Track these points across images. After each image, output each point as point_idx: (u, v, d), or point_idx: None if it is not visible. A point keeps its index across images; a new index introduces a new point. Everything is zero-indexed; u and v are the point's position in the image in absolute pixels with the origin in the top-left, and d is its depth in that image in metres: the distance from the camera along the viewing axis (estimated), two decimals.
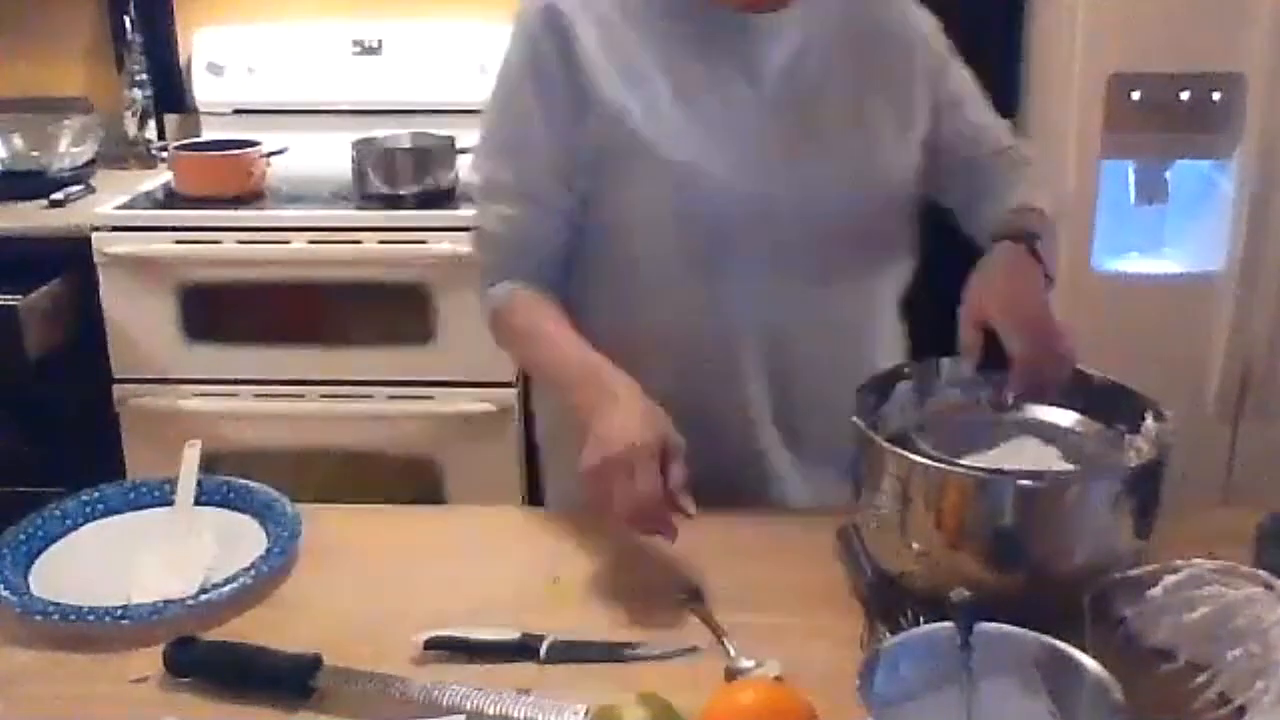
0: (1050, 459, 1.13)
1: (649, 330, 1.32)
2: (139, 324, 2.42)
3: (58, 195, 2.51)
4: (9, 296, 2.28)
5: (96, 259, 2.38)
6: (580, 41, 1.26)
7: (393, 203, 2.45)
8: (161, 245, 2.37)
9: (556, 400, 1.38)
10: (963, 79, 1.42)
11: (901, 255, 1.39)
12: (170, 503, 1.28)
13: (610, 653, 1.08)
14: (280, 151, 2.65)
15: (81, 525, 1.29)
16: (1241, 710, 0.93)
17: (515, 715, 0.98)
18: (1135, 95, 2.14)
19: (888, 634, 1.00)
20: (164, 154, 2.77)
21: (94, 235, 2.37)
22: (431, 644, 1.07)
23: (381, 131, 2.57)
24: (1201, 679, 0.95)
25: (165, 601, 1.13)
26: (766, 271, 1.29)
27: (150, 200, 2.52)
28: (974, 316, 1.19)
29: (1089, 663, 0.88)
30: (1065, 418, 1.18)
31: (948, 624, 0.92)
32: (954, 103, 1.40)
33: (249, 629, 1.12)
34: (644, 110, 1.25)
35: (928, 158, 1.37)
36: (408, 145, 2.54)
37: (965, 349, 1.20)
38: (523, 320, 1.32)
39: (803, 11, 1.29)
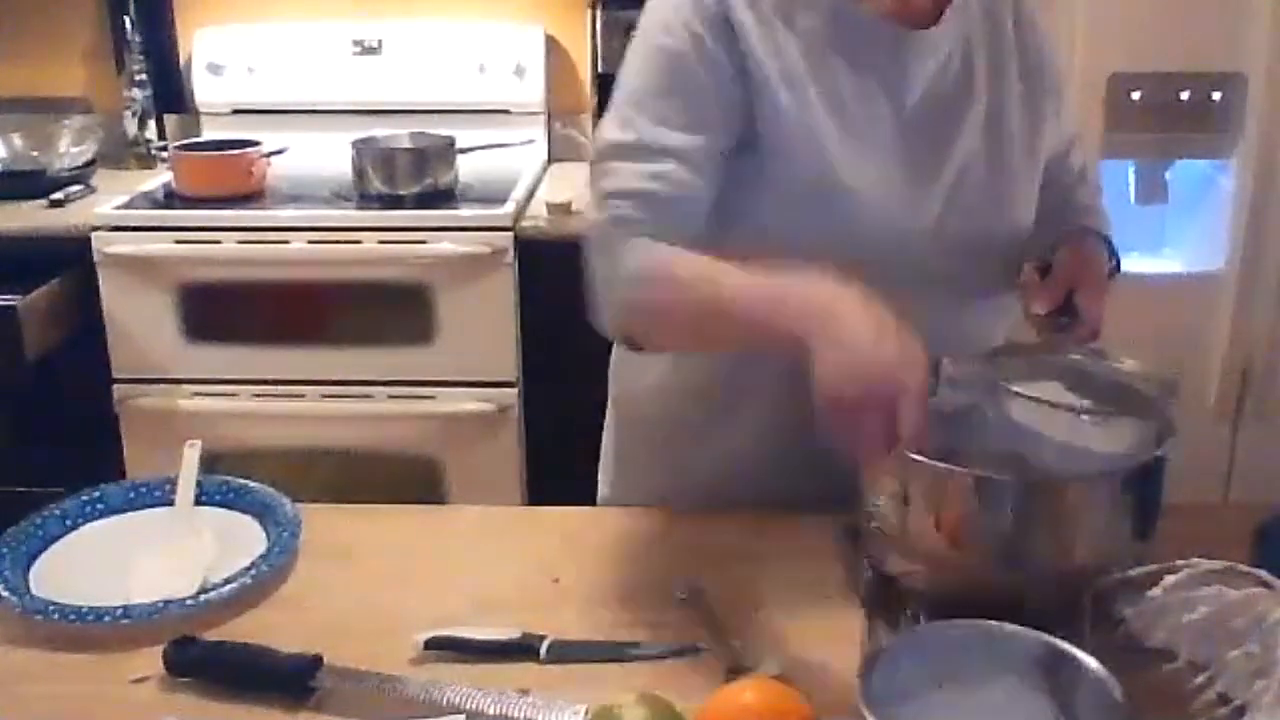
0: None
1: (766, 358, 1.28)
2: (139, 324, 2.42)
3: (58, 195, 2.51)
4: (9, 296, 2.28)
5: (96, 259, 2.38)
6: (743, 27, 1.21)
7: (393, 203, 2.45)
8: (161, 245, 2.38)
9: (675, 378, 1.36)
10: (1068, 122, 1.42)
11: (1007, 281, 1.34)
12: (170, 503, 1.28)
13: (610, 653, 1.08)
14: (280, 151, 2.65)
15: (81, 525, 1.29)
16: (1241, 710, 0.93)
17: (515, 715, 0.98)
18: (1135, 95, 2.15)
19: (888, 633, 1.00)
20: (164, 154, 2.77)
21: (94, 235, 2.37)
22: (431, 644, 1.07)
23: (381, 131, 2.57)
24: (1201, 679, 0.95)
25: (165, 601, 1.13)
26: (890, 286, 1.26)
27: (150, 200, 2.52)
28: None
29: (1089, 663, 0.88)
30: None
31: (947, 623, 0.92)
32: (1059, 152, 1.40)
33: (249, 629, 1.12)
34: (793, 109, 1.22)
35: None
36: (408, 145, 2.55)
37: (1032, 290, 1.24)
38: (692, 266, 1.15)
39: (953, 26, 1.27)
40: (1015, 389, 1.12)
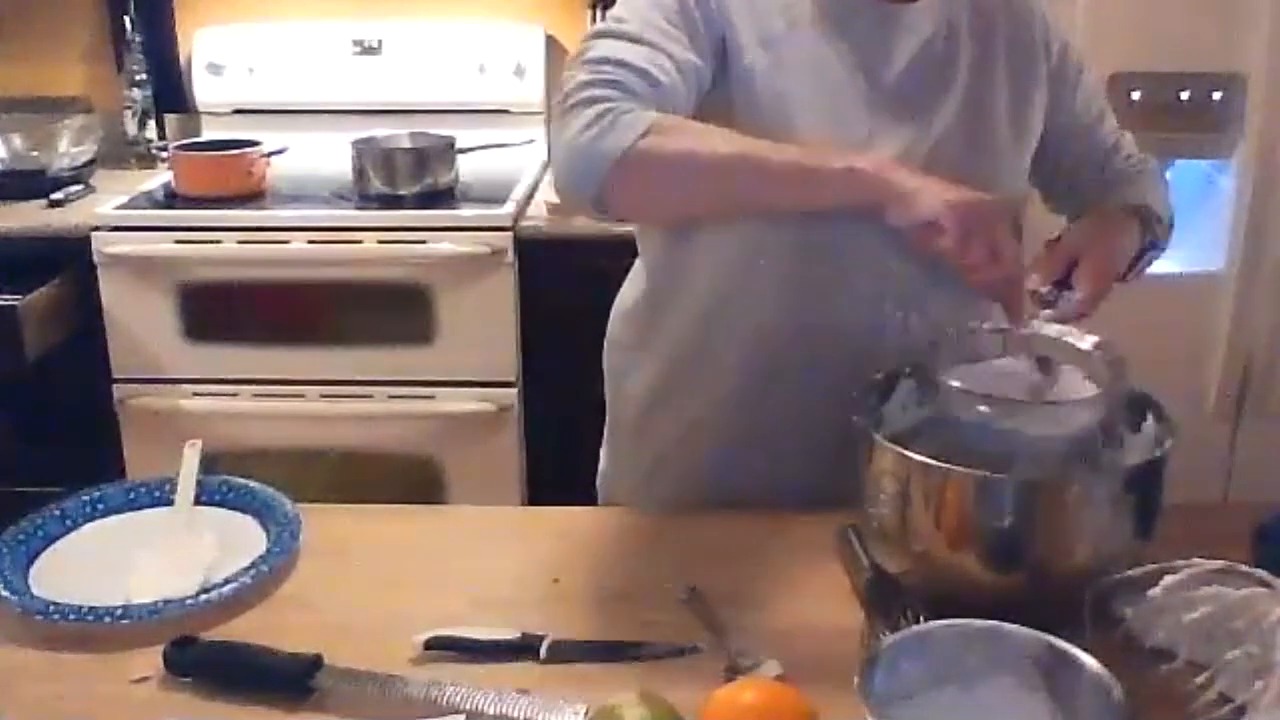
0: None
1: (736, 324, 1.30)
2: (139, 324, 2.42)
3: (58, 195, 2.51)
4: (9, 296, 2.28)
5: (96, 259, 2.38)
6: None
7: (392, 203, 2.45)
8: (161, 245, 2.37)
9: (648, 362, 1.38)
10: (1093, 97, 1.41)
11: None
12: (170, 503, 1.28)
13: (610, 653, 1.08)
14: (280, 151, 2.65)
15: (81, 525, 1.29)
16: (1241, 710, 0.93)
17: (515, 715, 0.98)
18: (1135, 95, 2.14)
19: (887, 633, 1.00)
20: (164, 154, 2.77)
21: (94, 235, 2.37)
22: (431, 644, 1.07)
23: (381, 131, 2.57)
24: (1201, 679, 0.95)
25: (165, 601, 1.13)
26: (867, 264, 1.25)
27: (150, 200, 2.51)
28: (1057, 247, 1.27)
29: (1089, 662, 0.88)
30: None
31: (947, 623, 0.92)
32: (1084, 127, 1.40)
33: (249, 629, 1.12)
34: (763, 70, 1.22)
35: (1046, 175, 1.39)
36: (408, 145, 2.54)
37: (1033, 263, 1.24)
38: (702, 125, 1.16)
39: (937, 4, 1.28)
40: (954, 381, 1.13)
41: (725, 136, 1.16)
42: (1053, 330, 1.17)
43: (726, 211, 1.26)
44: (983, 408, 1.08)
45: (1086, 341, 1.15)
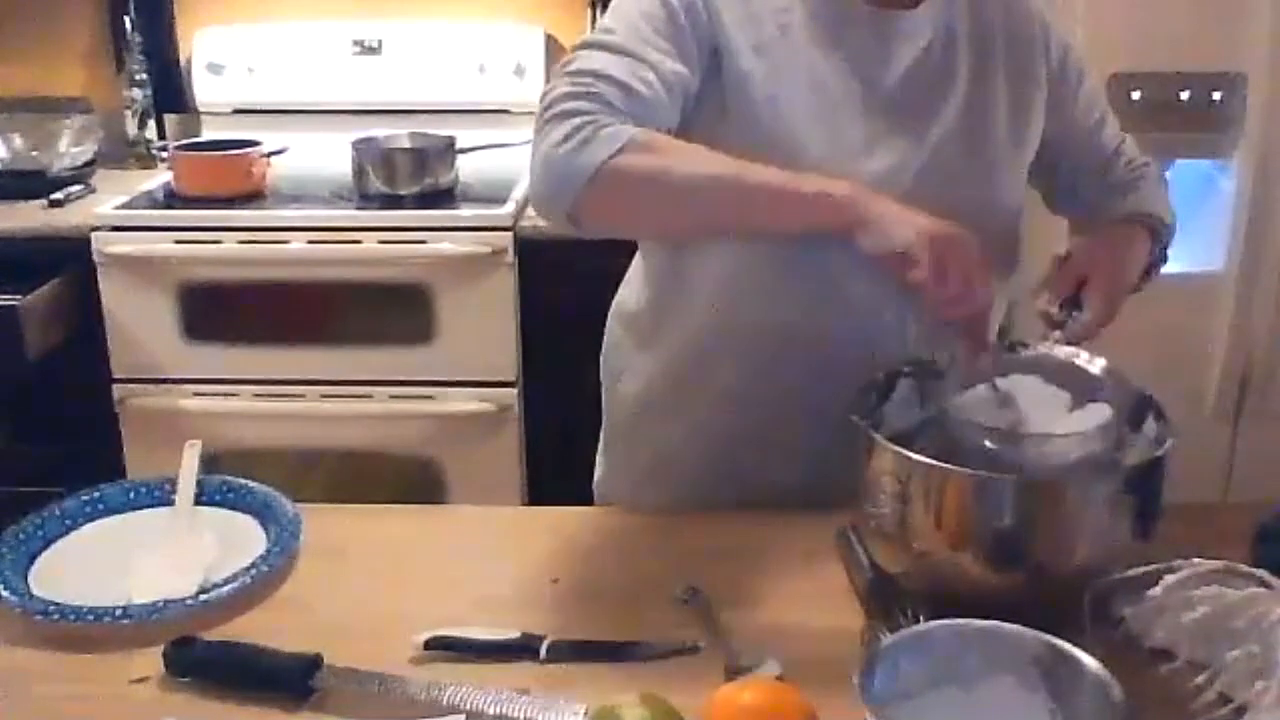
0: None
1: (736, 329, 1.30)
2: (139, 324, 2.42)
3: (58, 195, 2.51)
4: (9, 296, 2.28)
5: (96, 259, 2.38)
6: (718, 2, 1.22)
7: (392, 203, 2.45)
8: (161, 245, 2.37)
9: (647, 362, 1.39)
10: (1094, 102, 1.41)
11: (1003, 265, 1.33)
12: (170, 503, 1.29)
13: (610, 653, 1.08)
14: (280, 151, 2.65)
15: (81, 525, 1.29)
16: (1241, 710, 0.93)
17: (515, 715, 0.98)
18: (1135, 95, 2.14)
19: (887, 633, 1.00)
20: (164, 154, 2.77)
21: (94, 235, 2.37)
22: (431, 644, 1.07)
23: (381, 131, 2.57)
24: (1201, 679, 0.96)
25: (165, 601, 1.13)
26: (864, 274, 1.23)
27: (150, 200, 2.51)
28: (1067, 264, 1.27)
29: (1089, 662, 0.88)
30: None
31: (947, 623, 0.92)
32: (1085, 132, 1.40)
33: (249, 629, 1.12)
34: (758, 77, 1.21)
35: (1047, 180, 1.40)
36: (408, 145, 2.54)
37: (1042, 282, 1.25)
38: (679, 144, 1.16)
39: (933, 11, 1.27)
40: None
41: (702, 156, 1.15)
42: (1062, 352, 1.17)
43: (700, 232, 1.26)
44: (988, 443, 1.08)
45: (1096, 365, 1.15)
